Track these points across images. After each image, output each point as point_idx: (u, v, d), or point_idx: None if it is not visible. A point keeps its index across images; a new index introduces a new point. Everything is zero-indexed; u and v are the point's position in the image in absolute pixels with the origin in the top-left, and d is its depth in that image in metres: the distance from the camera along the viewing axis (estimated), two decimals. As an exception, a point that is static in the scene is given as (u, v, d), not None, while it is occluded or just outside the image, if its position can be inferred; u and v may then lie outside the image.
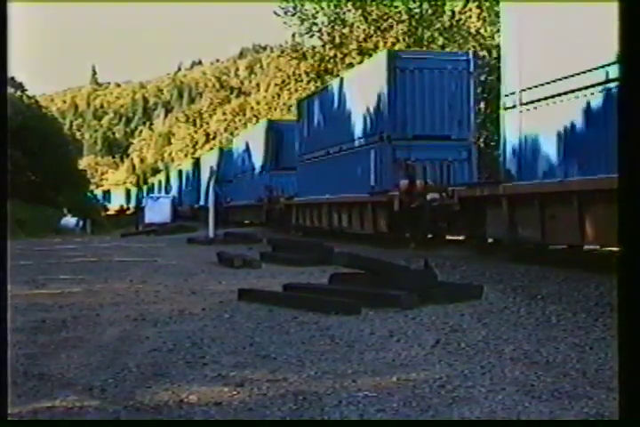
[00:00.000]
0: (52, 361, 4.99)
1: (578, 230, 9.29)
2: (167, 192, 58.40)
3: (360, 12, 29.22)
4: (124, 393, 4.17)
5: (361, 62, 25.00)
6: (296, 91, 40.37)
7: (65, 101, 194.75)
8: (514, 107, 11.21)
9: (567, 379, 4.36)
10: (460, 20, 26.78)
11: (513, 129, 11.26)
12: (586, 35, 9.43)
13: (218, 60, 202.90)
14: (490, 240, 12.42)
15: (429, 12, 28.18)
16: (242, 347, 5.39)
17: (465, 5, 26.60)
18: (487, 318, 6.41)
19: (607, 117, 8.68)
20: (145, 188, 75.70)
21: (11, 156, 27.61)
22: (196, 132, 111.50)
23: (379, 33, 28.75)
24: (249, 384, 4.31)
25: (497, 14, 25.93)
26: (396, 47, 26.11)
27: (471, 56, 16.52)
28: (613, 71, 8.66)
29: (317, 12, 30.19)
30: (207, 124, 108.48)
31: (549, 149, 10.41)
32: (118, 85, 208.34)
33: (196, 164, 47.04)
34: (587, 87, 9.44)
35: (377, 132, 16.29)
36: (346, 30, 29.93)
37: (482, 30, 26.11)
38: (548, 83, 10.31)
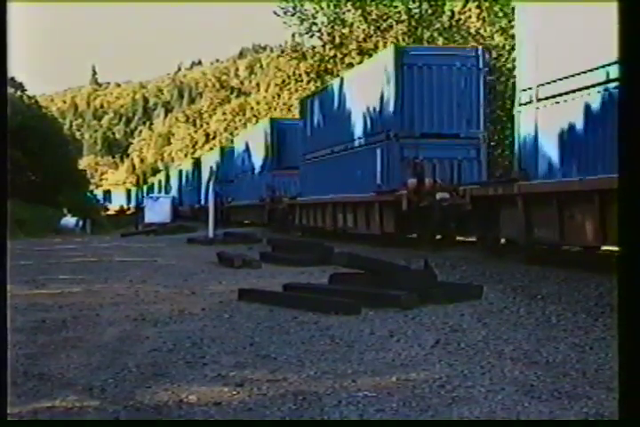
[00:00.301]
0: (52, 361, 4.99)
1: (599, 231, 8.91)
2: (167, 192, 58.41)
3: (360, 12, 29.21)
4: (124, 393, 4.17)
5: (361, 62, 25.00)
6: (296, 91, 40.36)
7: (65, 101, 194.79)
8: (530, 102, 10.83)
9: (567, 379, 4.36)
10: (460, 20, 26.76)
11: (529, 125, 10.88)
12: (609, 26, 8.97)
13: (218, 60, 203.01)
14: (501, 241, 12.12)
15: (429, 12, 28.17)
16: (242, 347, 5.39)
17: (465, 5, 26.58)
18: (487, 318, 6.41)
19: None
20: (145, 188, 75.71)
21: (11, 156, 27.58)
22: (195, 132, 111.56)
23: (378, 33, 28.75)
24: (249, 384, 4.31)
25: (496, 14, 26.00)
26: (396, 47, 26.05)
27: (480, 52, 16.09)
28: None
29: (317, 12, 30.18)
30: (207, 124, 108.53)
31: (568, 145, 9.98)
32: (118, 85, 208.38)
33: (197, 163, 46.99)
34: (610, 81, 8.86)
35: (383, 130, 15.93)
36: (346, 30, 29.92)
37: (482, 30, 26.09)
38: (566, 77, 9.89)
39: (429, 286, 7.47)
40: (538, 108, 10.67)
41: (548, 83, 10.39)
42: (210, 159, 41.59)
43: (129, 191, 79.21)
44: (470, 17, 26.30)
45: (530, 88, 10.86)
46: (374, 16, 28.71)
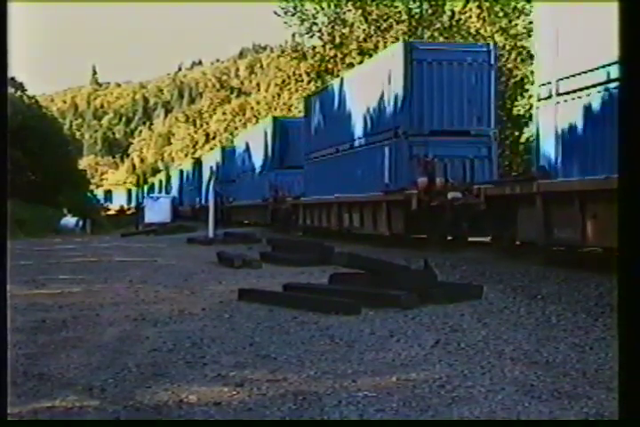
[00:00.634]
0: (52, 361, 4.99)
1: None
2: (167, 192, 58.41)
3: (360, 12, 29.23)
4: (124, 393, 4.17)
5: (361, 62, 25.01)
6: (296, 91, 40.40)
7: (65, 101, 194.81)
8: (549, 97, 10.38)
9: (567, 379, 4.36)
10: (460, 20, 26.79)
11: (548, 121, 10.43)
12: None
13: (218, 60, 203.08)
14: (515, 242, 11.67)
15: (429, 12, 28.20)
16: (242, 347, 5.39)
17: (465, 5, 26.60)
18: (487, 318, 6.41)
19: None
20: (145, 188, 75.74)
21: (11, 156, 27.58)
22: (196, 132, 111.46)
23: (379, 33, 28.77)
24: (249, 384, 4.31)
25: (497, 14, 26.01)
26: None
27: (492, 47, 15.72)
28: None
29: (317, 12, 30.22)
30: (207, 124, 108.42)
31: (591, 142, 9.48)
32: (118, 85, 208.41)
33: (198, 163, 46.93)
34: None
35: (392, 127, 15.45)
36: (346, 30, 29.94)
37: (482, 30, 26.11)
38: (590, 71, 9.44)
39: (429, 286, 7.47)
40: (558, 102, 10.23)
41: (569, 77, 9.95)
42: (211, 159, 41.50)
43: (129, 191, 79.26)
44: (470, 17, 26.32)
45: (549, 82, 10.42)
46: (375, 16, 28.74)
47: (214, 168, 38.80)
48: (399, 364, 4.82)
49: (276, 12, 30.49)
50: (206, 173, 40.36)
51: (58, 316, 6.84)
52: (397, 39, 26.73)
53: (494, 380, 4.35)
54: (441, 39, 26.42)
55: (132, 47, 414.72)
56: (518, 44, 24.61)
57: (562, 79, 10.12)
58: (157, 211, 39.75)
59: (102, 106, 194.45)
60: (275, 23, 47.00)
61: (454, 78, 15.24)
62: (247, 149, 31.89)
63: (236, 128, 75.89)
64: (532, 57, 24.27)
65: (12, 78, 45.12)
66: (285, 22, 30.43)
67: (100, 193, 77.51)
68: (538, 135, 10.81)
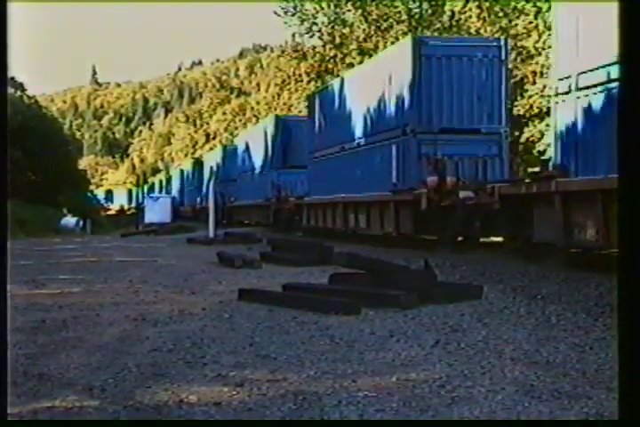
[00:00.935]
0: (52, 361, 4.99)
1: None
2: (168, 192, 58.39)
3: (360, 12, 29.25)
4: (124, 393, 4.17)
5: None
6: (296, 91, 40.43)
7: (65, 101, 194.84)
8: (569, 92, 9.94)
9: (567, 379, 4.36)
10: (460, 19, 26.78)
11: (567, 117, 9.98)
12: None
13: (218, 60, 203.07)
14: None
15: (429, 12, 28.21)
16: (242, 347, 5.39)
17: (465, 5, 26.60)
18: (487, 318, 6.41)
19: None
20: (146, 188, 75.77)
21: (11, 156, 27.58)
22: (196, 132, 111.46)
23: (379, 33, 28.78)
24: (249, 384, 4.31)
25: (497, 14, 26.01)
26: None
27: (503, 42, 15.14)
28: None
29: (317, 12, 30.24)
30: (207, 124, 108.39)
31: (613, 138, 8.99)
32: (118, 85, 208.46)
33: (198, 163, 46.83)
34: None
35: (400, 125, 14.96)
36: (346, 30, 29.96)
37: (482, 30, 26.10)
38: (612, 64, 8.81)
39: (429, 286, 7.47)
40: (578, 97, 9.79)
41: (592, 70, 9.45)
42: (212, 158, 41.34)
43: (130, 191, 79.31)
44: (470, 17, 26.32)
45: (569, 76, 9.95)
46: (374, 16, 28.76)
47: (214, 168, 38.86)
48: (399, 364, 4.82)
49: (276, 12, 30.54)
50: (207, 173, 40.32)
51: (58, 316, 6.84)
52: (397, 39, 26.75)
53: (494, 380, 4.35)
54: (441, 39, 26.38)
55: (132, 47, 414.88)
56: (518, 44, 24.60)
57: (584, 72, 9.62)
58: (157, 211, 39.78)
59: (102, 106, 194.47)
60: (275, 23, 47.13)
61: (464, 74, 14.77)
62: (249, 148, 31.37)
63: (236, 128, 75.87)
64: (531, 57, 24.31)
65: (12, 78, 45.12)
66: (285, 22, 30.49)
67: (100, 193, 77.57)
68: (556, 131, 10.34)
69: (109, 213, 59.04)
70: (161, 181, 71.45)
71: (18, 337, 5.65)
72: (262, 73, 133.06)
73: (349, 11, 29.93)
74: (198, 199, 42.70)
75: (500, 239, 12.71)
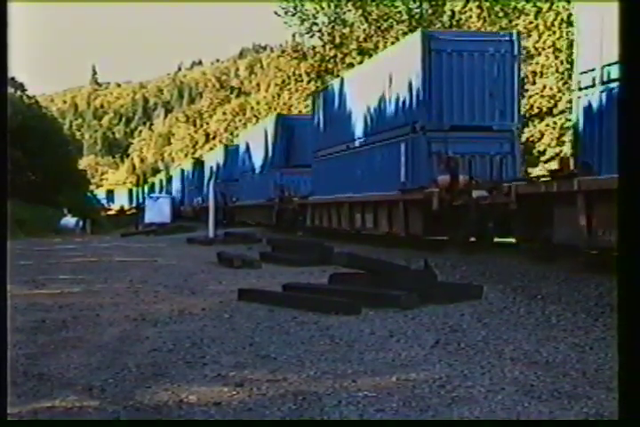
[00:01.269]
0: (52, 361, 4.99)
1: None
2: (168, 192, 58.34)
3: (360, 12, 29.28)
4: (124, 393, 4.17)
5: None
6: (296, 91, 40.45)
7: (65, 101, 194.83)
8: (592, 86, 9.53)
9: (567, 379, 4.36)
10: (460, 19, 26.80)
11: (591, 112, 9.58)
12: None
13: (218, 60, 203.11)
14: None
15: (429, 11, 28.24)
16: (242, 347, 5.39)
17: (465, 5, 26.62)
18: (487, 318, 6.41)
19: None
20: (146, 188, 75.80)
21: (11, 156, 27.59)
22: (196, 132, 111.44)
23: (379, 33, 28.81)
24: (249, 384, 4.31)
25: (497, 14, 26.02)
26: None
27: (515, 37, 14.66)
28: None
29: (317, 12, 30.27)
30: (207, 124, 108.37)
31: None
32: (118, 85, 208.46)
33: (199, 163, 46.72)
34: None
35: (409, 122, 14.46)
36: (346, 30, 30.00)
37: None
38: None
39: (429, 286, 7.47)
40: (602, 91, 9.40)
41: (617, 62, 8.82)
42: (213, 158, 41.18)
43: (131, 191, 79.37)
44: (471, 17, 26.34)
45: (592, 69, 9.55)
46: (375, 16, 28.79)
47: (215, 168, 38.79)
48: (399, 364, 4.82)
49: (276, 12, 30.56)
50: (208, 173, 40.22)
51: (58, 316, 6.84)
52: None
53: (494, 380, 4.35)
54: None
55: (132, 47, 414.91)
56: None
57: (609, 65, 9.16)
58: (157, 211, 39.69)
59: (102, 106, 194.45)
60: (275, 23, 47.12)
61: (475, 70, 14.28)
62: (251, 147, 30.88)
63: (236, 128, 75.86)
64: (531, 57, 24.31)
65: (12, 78, 45.10)
66: (285, 22, 30.51)
67: (102, 193, 77.62)
68: (577, 127, 9.95)
69: (109, 213, 59.05)
70: (161, 181, 71.41)
71: (18, 337, 5.65)
72: (262, 73, 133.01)
73: (349, 11, 29.97)
74: (199, 199, 42.63)
75: (513, 240, 12.19)
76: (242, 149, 33.22)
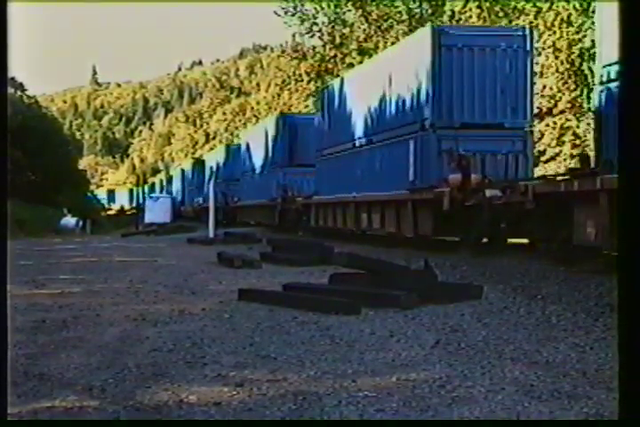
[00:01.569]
0: (52, 361, 4.99)
1: None
2: (168, 192, 58.33)
3: (360, 12, 29.28)
4: (124, 393, 4.17)
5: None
6: (296, 91, 40.48)
7: (65, 101, 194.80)
8: (616, 79, 9.02)
9: (567, 379, 4.36)
10: (460, 19, 26.78)
11: (613, 107, 9.08)
12: None
13: (218, 60, 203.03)
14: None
15: (429, 11, 28.23)
16: (242, 347, 5.39)
17: (465, 5, 26.61)
18: (487, 318, 6.41)
19: None
20: (146, 187, 75.85)
21: (11, 156, 27.60)
22: (195, 132, 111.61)
23: (379, 33, 28.81)
24: (249, 384, 4.31)
25: (497, 14, 26.01)
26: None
27: (528, 31, 14.18)
28: None
29: (317, 12, 30.27)
30: (207, 124, 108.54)
31: None
32: (118, 85, 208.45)
33: (200, 162, 46.62)
34: None
35: (418, 119, 14.02)
36: (346, 30, 29.99)
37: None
38: None
39: (429, 286, 7.47)
40: None
41: None
42: (214, 158, 41.06)
43: (132, 191, 79.43)
44: (471, 17, 26.32)
45: (616, 62, 8.95)
46: (375, 16, 28.79)
47: (215, 168, 38.74)
48: (399, 364, 4.82)
49: (276, 12, 30.55)
50: (209, 173, 40.14)
51: (58, 316, 6.84)
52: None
53: (494, 380, 4.35)
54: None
55: (132, 47, 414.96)
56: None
57: None
58: (157, 211, 39.73)
59: (102, 106, 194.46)
60: (275, 23, 47.12)
61: (487, 65, 13.82)
62: (254, 146, 30.46)
63: (236, 128, 75.94)
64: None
65: (12, 78, 45.07)
66: (285, 22, 30.50)
67: (103, 193, 77.67)
68: (599, 123, 9.57)
69: (109, 213, 59.06)
70: (161, 181, 71.48)
71: (18, 337, 5.65)
72: (262, 73, 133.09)
73: (349, 11, 29.97)
74: (200, 199, 42.55)
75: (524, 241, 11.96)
76: (243, 148, 32.79)
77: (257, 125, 39.08)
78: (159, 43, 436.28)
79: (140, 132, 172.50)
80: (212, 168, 39.79)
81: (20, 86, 49.30)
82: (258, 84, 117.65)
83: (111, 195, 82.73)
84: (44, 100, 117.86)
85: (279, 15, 30.52)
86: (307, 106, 38.34)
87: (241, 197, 32.17)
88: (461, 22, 26.65)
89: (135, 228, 35.96)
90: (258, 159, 29.33)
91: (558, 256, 10.15)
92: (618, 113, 3.45)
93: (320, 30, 30.44)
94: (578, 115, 23.94)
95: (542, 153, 25.40)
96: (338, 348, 5.33)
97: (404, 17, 28.20)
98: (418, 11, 28.33)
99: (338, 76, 24.54)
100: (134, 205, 60.70)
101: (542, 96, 24.29)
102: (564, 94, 23.67)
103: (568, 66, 23.11)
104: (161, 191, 64.82)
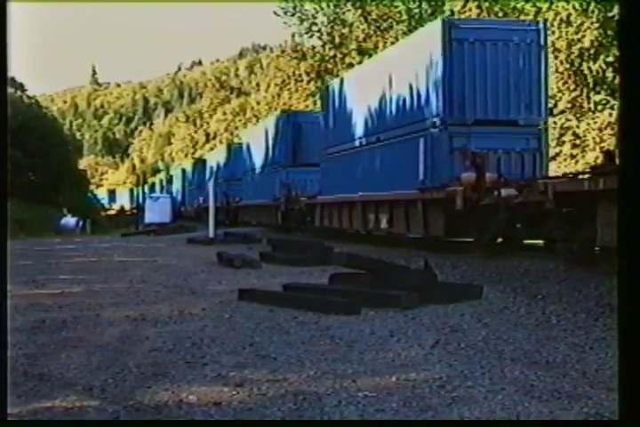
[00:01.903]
0: (52, 361, 4.99)
1: None
2: (169, 192, 58.30)
3: (360, 11, 29.29)
4: (124, 393, 4.17)
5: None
6: (296, 91, 40.47)
7: (65, 101, 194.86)
8: None
9: (567, 379, 4.36)
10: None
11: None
12: None
13: (218, 60, 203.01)
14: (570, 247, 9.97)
15: (429, 11, 28.23)
16: (242, 347, 5.39)
17: (464, 5, 26.62)
18: (487, 318, 6.41)
19: None
20: (146, 187, 75.82)
21: (11, 156, 27.61)
22: (196, 132, 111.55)
23: (378, 33, 28.81)
24: (249, 384, 4.31)
25: (497, 14, 26.01)
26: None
27: (542, 26, 13.71)
28: None
29: (317, 12, 30.29)
30: (207, 124, 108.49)
31: None
32: (118, 85, 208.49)
33: (201, 162, 46.51)
34: None
35: (428, 116, 13.56)
36: (345, 30, 30.01)
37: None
38: None
39: (429, 286, 7.47)
40: None
41: None
42: (216, 158, 40.94)
43: (132, 191, 79.44)
44: (470, 17, 26.32)
45: None
46: (374, 16, 28.79)
47: (215, 167, 38.71)
48: (399, 364, 4.82)
49: (275, 12, 30.56)
50: (209, 173, 40.12)
51: (58, 316, 6.84)
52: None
53: (494, 380, 4.34)
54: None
55: (132, 47, 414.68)
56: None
57: None
58: (157, 211, 39.71)
59: (102, 106, 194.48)
60: (275, 23, 47.14)
61: (499, 60, 13.38)
62: (256, 145, 29.93)
63: (237, 128, 75.94)
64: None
65: (12, 78, 45.11)
66: (285, 22, 30.51)
67: (103, 193, 77.64)
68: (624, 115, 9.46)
69: (109, 213, 59.04)
70: (161, 181, 71.41)
71: (18, 337, 5.65)
72: (262, 73, 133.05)
73: (349, 11, 29.98)
74: (200, 199, 42.45)
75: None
76: (245, 147, 32.17)
77: (259, 124, 38.49)
78: (159, 43, 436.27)
79: (140, 132, 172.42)
80: (211, 168, 39.76)
81: (20, 86, 49.37)
82: (258, 84, 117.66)
83: (111, 195, 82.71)
84: (44, 100, 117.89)
85: (278, 15, 30.55)
86: (307, 106, 38.32)
87: (243, 196, 31.99)
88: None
89: (135, 228, 35.93)
90: (260, 158, 28.95)
91: (582, 258, 9.77)
92: (618, 113, 3.44)
93: (319, 30, 30.47)
94: (578, 115, 23.93)
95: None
96: (338, 348, 5.33)
97: (404, 17, 28.19)
98: (417, 11, 28.32)
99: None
100: (134, 204, 60.76)
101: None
102: (563, 94, 23.65)
103: (568, 66, 23.10)
104: (161, 191, 64.79)
